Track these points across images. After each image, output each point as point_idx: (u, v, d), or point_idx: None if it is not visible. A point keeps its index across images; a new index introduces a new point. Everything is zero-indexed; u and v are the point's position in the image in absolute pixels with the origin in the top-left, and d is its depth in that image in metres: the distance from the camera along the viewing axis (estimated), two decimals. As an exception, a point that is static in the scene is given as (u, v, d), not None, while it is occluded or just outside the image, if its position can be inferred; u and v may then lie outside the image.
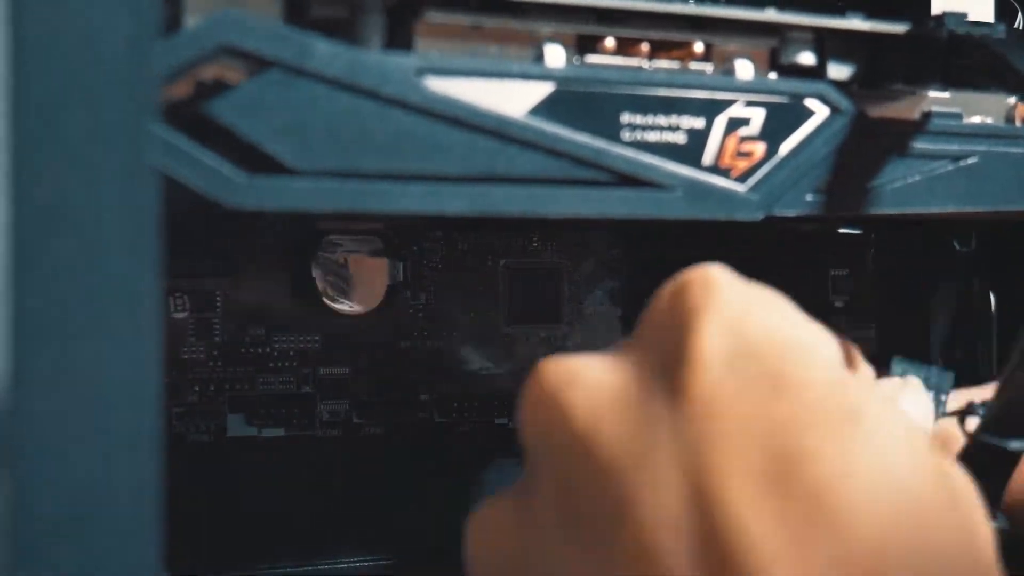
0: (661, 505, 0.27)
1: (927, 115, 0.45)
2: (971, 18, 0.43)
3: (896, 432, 0.29)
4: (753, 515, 0.27)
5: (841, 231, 0.64)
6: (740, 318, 0.30)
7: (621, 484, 0.28)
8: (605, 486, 0.29)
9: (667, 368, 0.30)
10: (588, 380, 0.31)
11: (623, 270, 0.62)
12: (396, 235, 0.57)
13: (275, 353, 0.56)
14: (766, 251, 0.64)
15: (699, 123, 0.41)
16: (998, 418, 0.38)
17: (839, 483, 0.27)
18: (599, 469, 0.29)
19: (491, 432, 0.60)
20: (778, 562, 0.26)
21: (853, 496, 0.27)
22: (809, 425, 0.28)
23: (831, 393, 0.29)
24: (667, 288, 0.32)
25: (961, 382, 0.64)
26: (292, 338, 0.56)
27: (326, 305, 0.55)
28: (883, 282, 0.67)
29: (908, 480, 0.28)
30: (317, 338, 0.57)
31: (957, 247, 0.64)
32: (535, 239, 0.60)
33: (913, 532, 0.27)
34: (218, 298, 0.55)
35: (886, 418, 0.29)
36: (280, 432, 0.56)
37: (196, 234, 0.53)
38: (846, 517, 0.27)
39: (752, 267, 0.62)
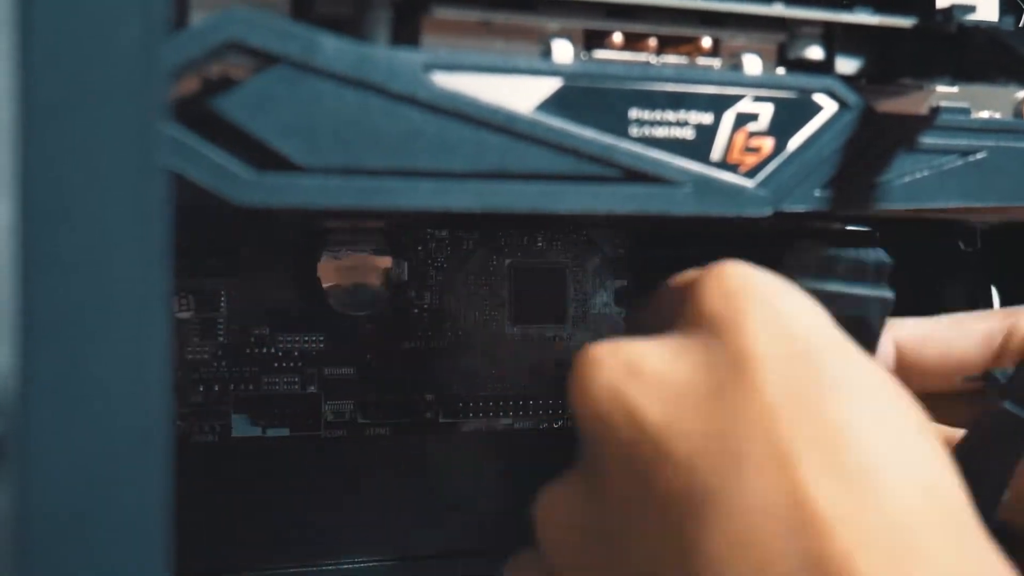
0: (754, 495, 0.31)
1: (935, 110, 0.45)
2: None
3: (888, 388, 0.35)
4: (838, 512, 0.31)
5: (847, 229, 0.64)
6: (788, 320, 0.35)
7: (709, 475, 0.32)
8: (690, 476, 0.32)
9: (730, 366, 0.34)
10: (651, 373, 0.35)
11: (629, 270, 0.62)
12: (401, 234, 0.57)
13: (279, 353, 0.56)
14: (770, 250, 0.63)
15: (707, 118, 0.41)
16: None
17: (864, 442, 0.32)
18: (680, 461, 0.33)
19: (497, 433, 0.60)
20: (859, 550, 0.30)
21: (873, 448, 0.32)
22: (869, 423, 0.33)
23: (878, 390, 0.34)
24: (705, 282, 0.37)
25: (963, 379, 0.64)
26: (297, 338, 0.56)
27: (331, 305, 0.55)
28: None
29: (900, 422, 0.34)
30: (322, 338, 0.56)
31: (962, 247, 0.64)
32: (540, 238, 0.60)
33: (916, 470, 0.32)
34: (222, 298, 0.55)
35: (878, 379, 0.35)
36: (285, 432, 0.56)
37: (200, 233, 0.53)
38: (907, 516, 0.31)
39: (757, 266, 0.63)
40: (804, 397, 0.33)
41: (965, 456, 0.37)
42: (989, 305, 0.64)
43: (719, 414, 0.33)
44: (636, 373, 0.35)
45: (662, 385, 0.35)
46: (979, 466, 0.37)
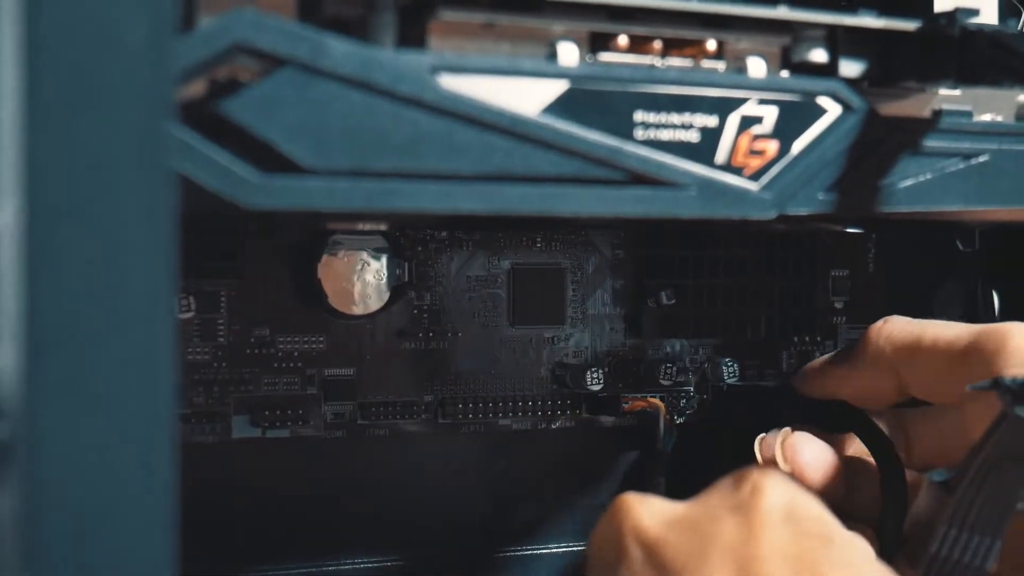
0: None
1: (938, 113, 0.45)
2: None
3: None
4: None
5: (845, 231, 0.64)
6: (799, 498, 0.40)
7: (679, 563, 0.38)
8: (663, 564, 0.39)
9: (732, 511, 0.39)
10: (660, 509, 0.41)
11: (627, 270, 0.62)
12: (401, 235, 0.57)
13: (280, 354, 0.56)
14: (768, 251, 0.64)
15: (712, 121, 0.41)
16: None
17: None
18: (664, 564, 0.39)
19: (494, 433, 0.60)
20: None
21: None
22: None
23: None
24: (734, 476, 0.41)
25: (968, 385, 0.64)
26: (297, 339, 0.56)
27: (331, 306, 0.55)
28: (883, 283, 0.67)
29: None
30: (322, 339, 0.56)
31: (960, 247, 0.64)
32: (539, 239, 0.60)
33: None
34: (223, 299, 0.55)
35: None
36: (285, 433, 0.56)
37: (200, 234, 0.53)
38: None
39: (754, 267, 0.63)
40: (785, 534, 0.38)
41: (978, 464, 0.37)
42: (989, 305, 0.64)
43: (709, 533, 0.39)
44: (647, 507, 0.41)
45: (667, 514, 0.40)
46: (991, 474, 0.37)
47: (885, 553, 0.42)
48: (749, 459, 0.46)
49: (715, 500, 0.40)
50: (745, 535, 0.38)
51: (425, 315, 0.58)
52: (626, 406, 0.61)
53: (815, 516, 0.40)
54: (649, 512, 0.40)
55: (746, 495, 0.40)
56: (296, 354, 0.56)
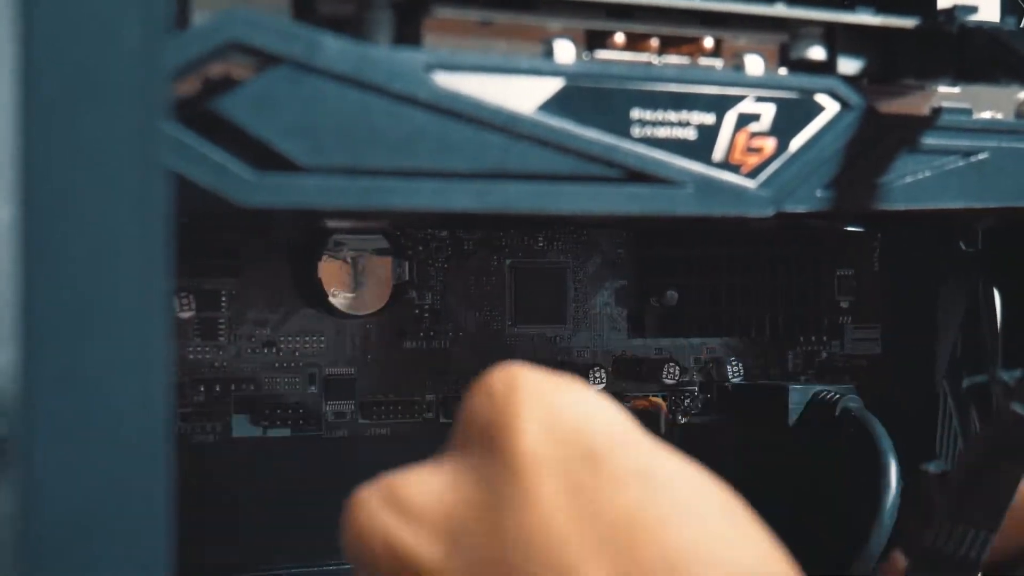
0: None
1: (937, 110, 0.45)
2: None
3: (684, 473, 0.31)
4: None
5: (847, 229, 0.64)
6: (565, 419, 0.31)
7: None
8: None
9: (504, 478, 0.30)
10: (421, 508, 0.32)
11: (629, 269, 0.62)
12: (402, 234, 0.57)
13: (280, 353, 0.56)
14: (772, 251, 0.63)
15: (709, 119, 0.41)
16: None
17: (659, 534, 0.29)
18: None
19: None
20: None
21: (672, 539, 0.29)
22: (663, 514, 0.30)
23: (674, 478, 0.31)
24: (473, 392, 0.33)
25: (967, 381, 0.64)
26: (298, 338, 0.56)
27: (332, 305, 0.55)
28: (889, 282, 0.67)
29: (703, 507, 0.30)
30: (323, 338, 0.56)
31: (963, 246, 0.64)
32: (540, 238, 0.60)
33: (726, 556, 0.29)
34: (223, 298, 0.55)
35: (673, 465, 0.31)
36: (286, 432, 0.56)
37: (201, 233, 0.53)
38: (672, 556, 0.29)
39: (759, 266, 0.63)
40: (585, 499, 0.30)
41: (974, 460, 0.37)
42: (990, 304, 0.64)
43: (498, 535, 0.30)
44: (405, 511, 0.32)
45: (435, 519, 0.31)
46: (989, 469, 0.37)
47: None
48: (749, 459, 0.46)
49: (468, 474, 0.32)
50: (530, 506, 0.30)
51: (426, 314, 0.58)
52: (628, 405, 0.61)
53: (607, 439, 0.31)
54: (399, 523, 0.32)
55: (504, 448, 0.31)
56: (297, 353, 0.56)
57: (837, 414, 0.58)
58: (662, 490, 0.30)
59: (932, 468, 0.39)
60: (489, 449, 0.31)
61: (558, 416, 0.31)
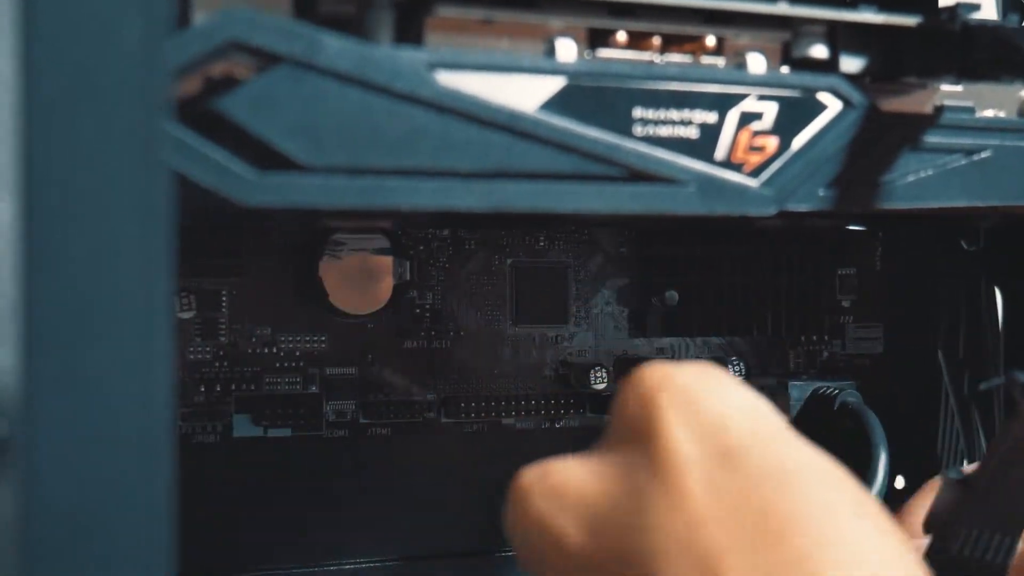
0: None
1: (940, 109, 0.44)
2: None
3: (821, 471, 0.32)
4: None
5: (848, 228, 0.64)
6: (712, 417, 0.33)
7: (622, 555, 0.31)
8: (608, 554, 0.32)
9: (652, 474, 0.32)
10: (575, 495, 0.33)
11: (630, 268, 0.62)
12: (403, 234, 0.57)
13: (281, 353, 0.56)
14: (774, 250, 0.63)
15: (711, 117, 0.40)
16: None
17: (794, 532, 0.30)
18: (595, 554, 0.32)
19: (498, 432, 0.60)
20: None
21: (805, 538, 0.30)
22: (807, 513, 0.31)
23: (770, 461, 0.32)
24: (624, 388, 0.34)
25: (969, 380, 0.64)
26: (298, 338, 0.56)
27: (332, 305, 0.55)
28: (890, 281, 0.66)
29: (837, 505, 0.31)
30: (323, 338, 0.56)
31: (964, 246, 0.64)
32: (542, 238, 0.60)
33: (858, 555, 0.30)
34: (224, 298, 0.55)
35: (810, 462, 0.32)
36: (286, 432, 0.56)
37: (202, 233, 0.53)
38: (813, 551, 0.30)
39: (761, 265, 0.63)
40: (726, 495, 0.31)
41: (997, 464, 0.37)
42: (992, 303, 0.64)
43: (641, 526, 0.31)
44: (560, 497, 0.34)
45: (585, 506, 0.33)
46: (1010, 471, 0.37)
47: None
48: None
49: (617, 468, 0.33)
50: (673, 502, 0.31)
51: (427, 314, 0.58)
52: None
53: (744, 434, 0.32)
54: (552, 508, 0.34)
55: (650, 447, 0.32)
56: (298, 353, 0.56)
57: (836, 408, 0.58)
58: (797, 488, 0.31)
59: (953, 474, 0.39)
60: (636, 445, 0.33)
61: (700, 414, 0.33)
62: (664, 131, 0.40)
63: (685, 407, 0.33)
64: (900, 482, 0.63)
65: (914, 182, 0.44)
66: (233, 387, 0.55)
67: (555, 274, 0.61)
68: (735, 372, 0.62)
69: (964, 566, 0.38)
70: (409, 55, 0.36)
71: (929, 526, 0.41)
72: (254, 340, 0.55)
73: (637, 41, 0.41)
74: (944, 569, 0.38)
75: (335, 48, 0.35)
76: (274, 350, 0.55)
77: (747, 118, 0.41)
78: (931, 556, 0.39)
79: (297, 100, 0.35)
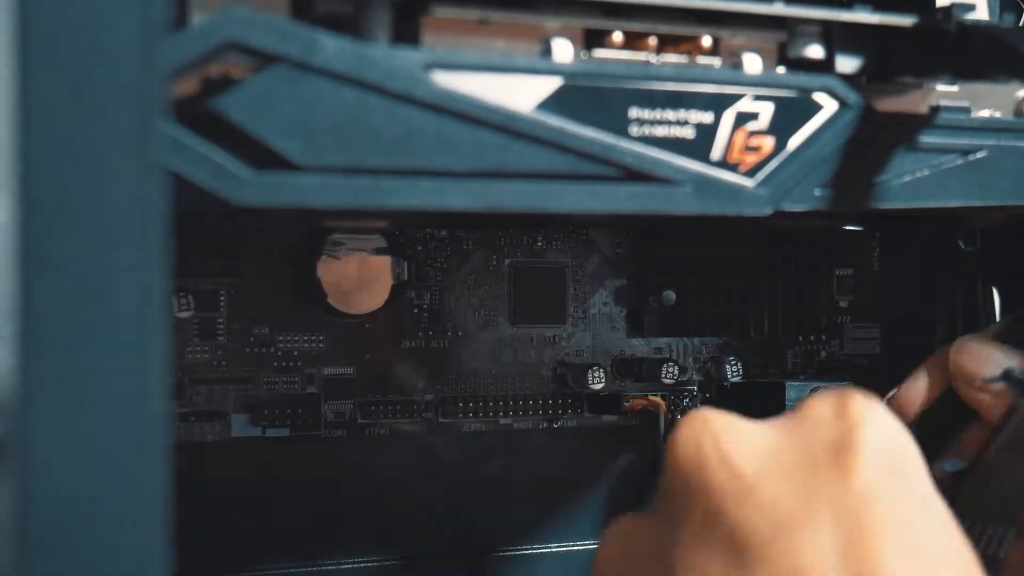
0: (818, 544, 0.34)
1: (936, 109, 0.45)
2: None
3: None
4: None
5: (846, 228, 0.64)
6: (896, 436, 0.37)
7: (784, 522, 0.34)
8: (769, 516, 0.35)
9: (833, 447, 0.36)
10: (750, 436, 0.37)
11: (628, 268, 0.62)
12: (400, 234, 0.57)
13: (279, 353, 0.56)
14: (771, 250, 0.63)
15: (707, 117, 0.41)
16: None
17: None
18: (763, 503, 0.35)
19: (496, 432, 0.60)
20: None
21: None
22: (937, 529, 0.35)
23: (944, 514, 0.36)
24: (829, 401, 0.38)
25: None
26: (296, 338, 0.56)
27: (330, 305, 0.55)
28: (888, 281, 0.67)
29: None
30: (321, 338, 0.56)
31: (962, 246, 0.64)
32: (539, 238, 0.60)
33: None
34: (222, 298, 0.55)
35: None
36: (285, 432, 0.56)
37: (200, 233, 0.53)
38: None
39: (758, 266, 0.63)
40: (893, 495, 0.35)
41: (992, 457, 0.37)
42: (989, 303, 0.64)
43: (810, 479, 0.35)
44: (736, 432, 0.37)
45: (758, 446, 0.37)
46: (1004, 464, 0.37)
47: None
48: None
49: (810, 430, 0.37)
50: (848, 486, 0.35)
51: (425, 314, 0.58)
52: (627, 405, 0.61)
53: (916, 469, 0.37)
54: (738, 439, 0.37)
55: (846, 430, 0.36)
56: (296, 353, 0.56)
57: None
58: (938, 513, 0.36)
59: (949, 467, 0.39)
60: (824, 426, 0.37)
61: (894, 436, 0.37)
62: (660, 131, 0.40)
63: (879, 421, 0.37)
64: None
65: (910, 182, 0.44)
66: (231, 387, 0.55)
67: (553, 274, 0.61)
68: (732, 372, 0.62)
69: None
70: (405, 55, 0.36)
71: None
72: (252, 340, 0.55)
73: (633, 41, 0.41)
74: None
75: (332, 48, 0.35)
76: (272, 350, 0.56)
77: (743, 118, 0.41)
78: None
79: (294, 100, 0.35)
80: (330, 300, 0.55)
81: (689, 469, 0.37)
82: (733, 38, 0.42)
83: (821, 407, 0.37)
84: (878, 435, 0.36)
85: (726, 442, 0.37)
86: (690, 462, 0.37)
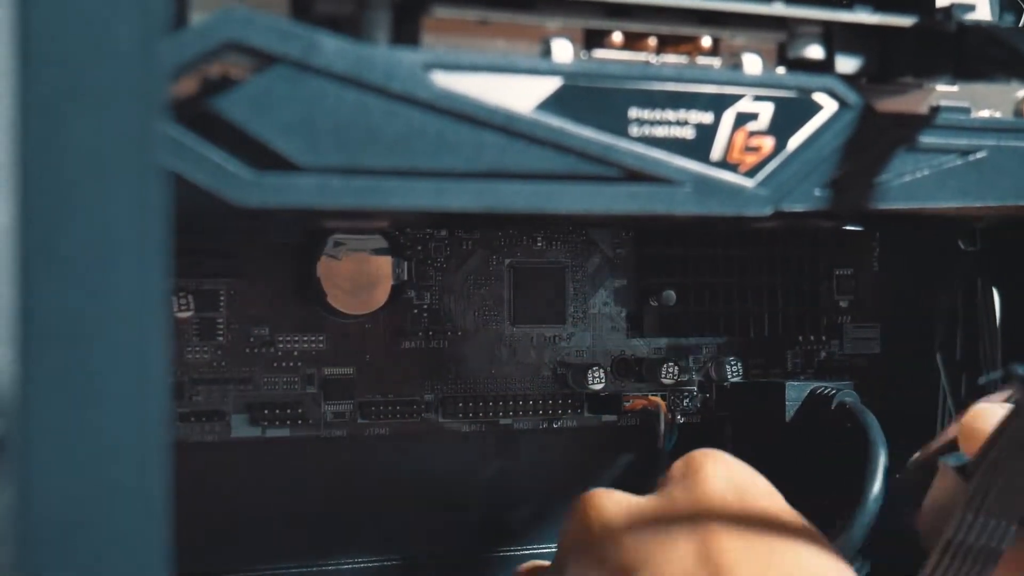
0: (678, 554, 0.39)
1: (935, 109, 0.44)
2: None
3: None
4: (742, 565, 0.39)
5: (846, 228, 0.64)
6: (727, 463, 0.44)
7: (653, 543, 0.41)
8: (634, 551, 0.41)
9: (682, 484, 0.43)
10: (621, 496, 0.44)
11: (628, 269, 0.62)
12: (400, 234, 0.57)
13: (279, 353, 0.56)
14: (771, 250, 0.63)
15: (707, 118, 0.41)
16: None
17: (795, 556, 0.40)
18: (627, 543, 0.41)
19: (496, 433, 0.60)
20: None
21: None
22: (779, 522, 0.42)
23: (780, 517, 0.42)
24: (678, 461, 0.44)
25: (966, 380, 0.64)
26: (296, 338, 0.56)
27: (330, 305, 0.55)
28: (888, 281, 0.67)
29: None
30: (321, 338, 0.56)
31: (962, 246, 0.64)
32: (539, 238, 0.60)
33: None
34: (222, 298, 0.55)
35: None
36: (284, 433, 0.56)
37: (200, 233, 0.53)
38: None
39: (758, 266, 0.63)
40: (733, 502, 0.41)
41: (996, 452, 0.38)
42: (989, 304, 0.64)
43: (668, 508, 0.42)
44: (610, 494, 0.44)
45: (625, 502, 0.43)
46: (1008, 460, 0.37)
47: None
48: (750, 457, 0.46)
49: (670, 485, 0.43)
50: (695, 500, 0.42)
51: (425, 314, 0.58)
52: (627, 405, 0.61)
53: (761, 489, 0.43)
54: (614, 502, 0.43)
55: (692, 473, 0.43)
56: (296, 353, 0.56)
57: (833, 408, 0.58)
58: (786, 516, 0.42)
59: (952, 462, 0.40)
60: (680, 482, 0.43)
61: (741, 473, 0.44)
62: (660, 131, 0.40)
63: (721, 465, 0.43)
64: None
65: (910, 182, 0.44)
66: (231, 387, 0.55)
67: (553, 274, 0.61)
68: (732, 372, 0.62)
69: (961, 551, 0.38)
70: (406, 55, 0.36)
71: (927, 512, 0.42)
72: (252, 340, 0.55)
73: (633, 42, 0.41)
74: (942, 553, 0.38)
75: (332, 48, 0.35)
76: (272, 350, 0.56)
77: (743, 118, 0.41)
78: (929, 542, 0.39)
79: (294, 100, 0.35)
80: (330, 300, 0.55)
81: (575, 529, 0.44)
82: (733, 38, 0.42)
83: (674, 467, 0.44)
84: (715, 462, 0.43)
85: (601, 507, 0.43)
86: (577, 539, 0.44)
